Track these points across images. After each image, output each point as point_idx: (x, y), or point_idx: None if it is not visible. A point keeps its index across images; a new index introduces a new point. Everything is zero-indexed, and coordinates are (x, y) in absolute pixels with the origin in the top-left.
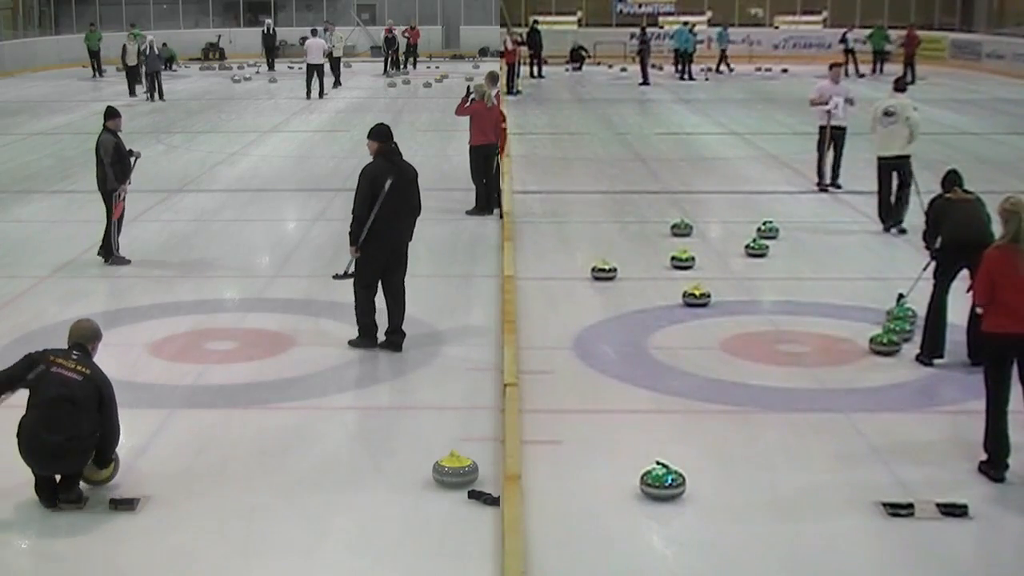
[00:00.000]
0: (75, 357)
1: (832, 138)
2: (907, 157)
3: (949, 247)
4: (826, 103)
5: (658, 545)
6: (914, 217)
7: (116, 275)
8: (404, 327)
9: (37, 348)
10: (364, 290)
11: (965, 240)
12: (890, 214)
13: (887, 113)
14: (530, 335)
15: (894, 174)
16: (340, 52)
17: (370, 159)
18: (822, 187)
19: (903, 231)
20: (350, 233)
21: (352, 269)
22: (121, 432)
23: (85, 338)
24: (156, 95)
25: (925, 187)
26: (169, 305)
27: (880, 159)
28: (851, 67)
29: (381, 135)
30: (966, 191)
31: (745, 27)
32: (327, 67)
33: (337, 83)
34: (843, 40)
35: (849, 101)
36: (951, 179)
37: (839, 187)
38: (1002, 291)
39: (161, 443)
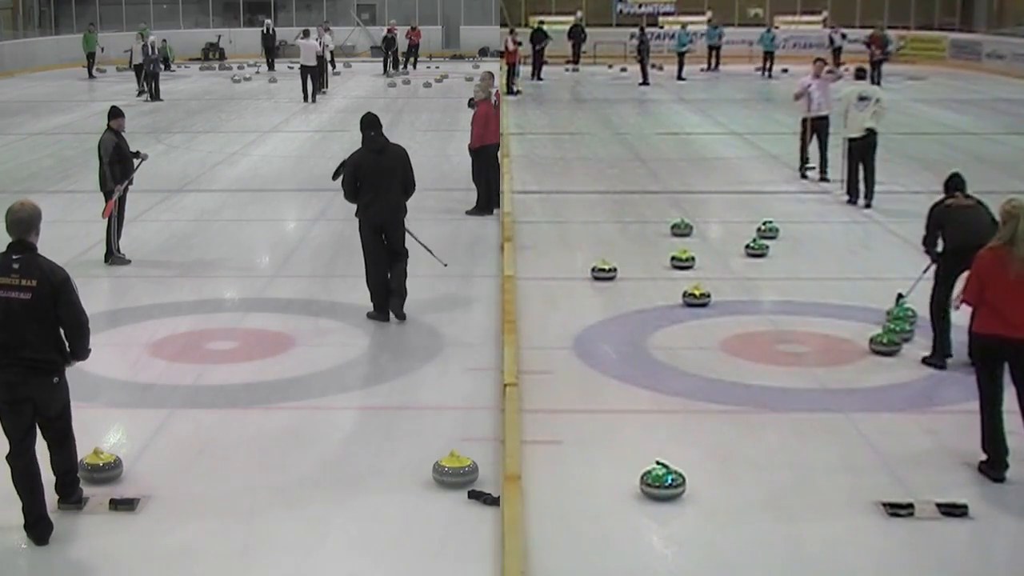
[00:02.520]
0: (16, 268)
1: (814, 128)
2: (875, 135)
3: (952, 252)
4: (808, 95)
5: (658, 545)
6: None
7: (116, 275)
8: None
9: None
10: (370, 265)
11: (969, 245)
12: (858, 190)
13: (862, 98)
14: (530, 335)
15: (861, 153)
16: (327, 55)
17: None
18: (803, 173)
19: (870, 205)
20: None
21: None
22: (114, 423)
23: (23, 228)
24: (152, 95)
25: (926, 187)
26: (169, 305)
27: (851, 140)
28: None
29: (361, 124)
30: (968, 196)
31: (745, 27)
32: (324, 68)
33: (320, 89)
34: (831, 39)
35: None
36: (954, 183)
37: (827, 179)
38: (991, 292)
39: (161, 443)
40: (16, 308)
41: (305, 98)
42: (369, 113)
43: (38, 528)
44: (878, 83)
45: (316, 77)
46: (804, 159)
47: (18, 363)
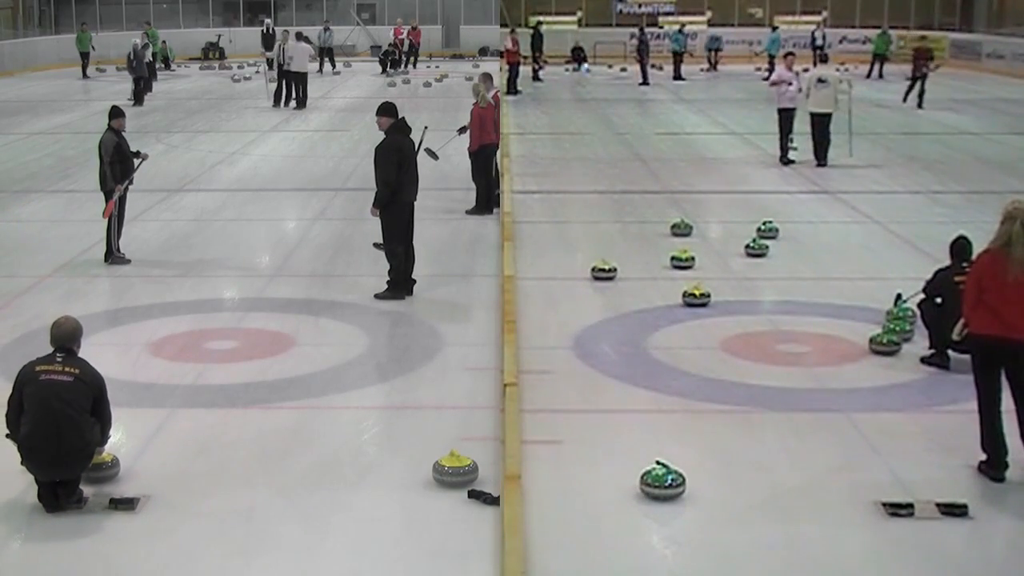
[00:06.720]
0: (60, 359)
1: (790, 117)
2: (831, 114)
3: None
4: (787, 84)
5: (658, 545)
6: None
7: (116, 275)
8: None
9: (37, 348)
10: (399, 247)
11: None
12: (819, 154)
13: (820, 80)
14: (530, 335)
15: (818, 125)
16: (296, 65)
17: (380, 137)
18: (786, 161)
19: (824, 164)
20: (377, 196)
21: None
22: (115, 423)
23: (67, 339)
24: (136, 99)
25: (926, 187)
26: (169, 305)
27: (813, 114)
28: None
29: (391, 110)
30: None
31: (745, 27)
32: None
33: (294, 98)
34: (813, 36)
35: (798, 88)
36: (962, 252)
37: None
38: (989, 294)
39: (161, 443)
40: (59, 388)
41: (276, 103)
42: (388, 101)
43: (48, 497)
44: (921, 105)
45: (305, 82)
46: (785, 149)
47: (55, 449)
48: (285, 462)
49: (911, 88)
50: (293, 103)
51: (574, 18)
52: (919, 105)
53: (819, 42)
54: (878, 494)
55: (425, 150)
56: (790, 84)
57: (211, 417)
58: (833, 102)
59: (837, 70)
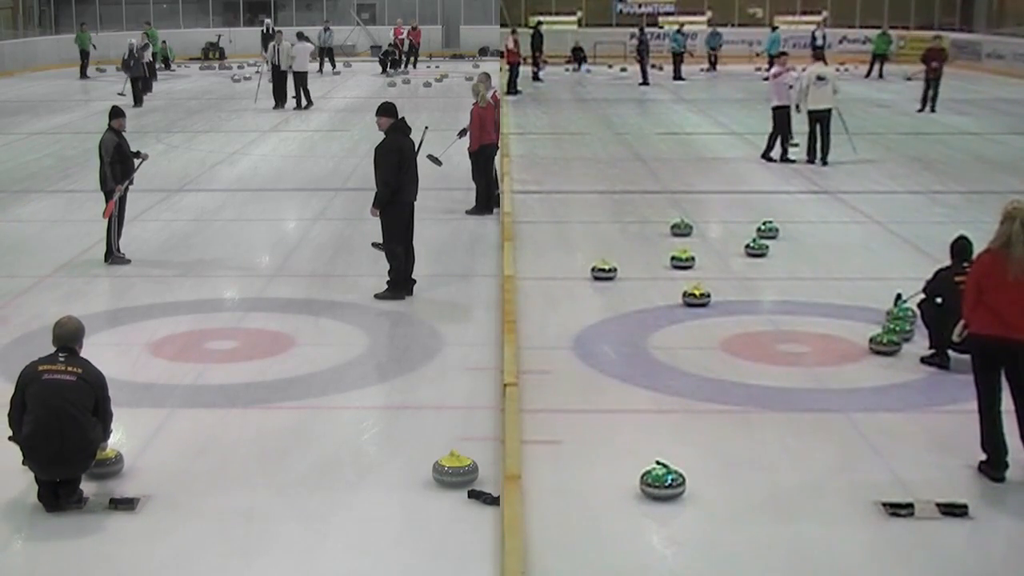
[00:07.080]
0: (62, 359)
1: (788, 115)
2: (831, 109)
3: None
4: (789, 71)
5: (658, 545)
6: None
7: (116, 275)
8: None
9: (37, 348)
10: (399, 247)
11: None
12: (815, 152)
13: (820, 78)
14: (530, 335)
15: (820, 122)
16: (298, 65)
17: (380, 137)
18: (784, 159)
19: (826, 163)
20: (377, 196)
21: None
22: (115, 423)
23: (69, 338)
24: (135, 99)
25: (926, 187)
26: (169, 305)
27: (811, 112)
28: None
29: (391, 111)
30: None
31: (745, 27)
32: (300, 78)
33: (293, 96)
34: (814, 36)
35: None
36: (962, 252)
37: (773, 160)
38: (989, 293)
39: (161, 443)
40: (62, 387)
41: (276, 103)
42: (388, 101)
43: (48, 496)
44: (934, 109)
45: (306, 82)
46: (785, 148)
47: (58, 447)
48: (285, 462)
49: (925, 94)
50: (293, 103)
51: (574, 18)
52: (932, 109)
53: (819, 42)
54: (878, 494)
55: (428, 156)
56: (791, 70)
57: (211, 417)
58: (832, 98)
59: (837, 70)
